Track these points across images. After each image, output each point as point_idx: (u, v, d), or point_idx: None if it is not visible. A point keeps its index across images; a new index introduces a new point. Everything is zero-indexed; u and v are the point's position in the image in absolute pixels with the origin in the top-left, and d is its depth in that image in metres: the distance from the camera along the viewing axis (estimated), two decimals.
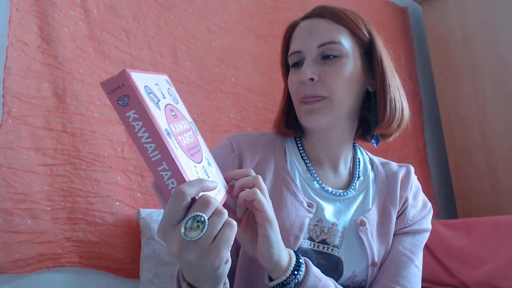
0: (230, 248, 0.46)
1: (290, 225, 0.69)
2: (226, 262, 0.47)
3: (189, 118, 0.58)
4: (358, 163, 0.84)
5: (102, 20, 1.30)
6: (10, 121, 1.09)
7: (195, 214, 0.43)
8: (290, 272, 0.58)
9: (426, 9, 2.24)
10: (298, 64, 0.76)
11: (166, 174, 0.44)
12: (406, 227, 0.79)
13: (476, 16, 2.00)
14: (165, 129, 0.45)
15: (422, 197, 0.84)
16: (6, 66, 1.10)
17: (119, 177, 1.23)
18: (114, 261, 1.17)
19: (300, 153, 0.80)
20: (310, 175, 0.77)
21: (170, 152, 0.43)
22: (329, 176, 0.79)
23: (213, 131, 1.48)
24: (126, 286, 1.19)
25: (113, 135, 1.25)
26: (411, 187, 0.82)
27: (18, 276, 1.05)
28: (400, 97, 0.77)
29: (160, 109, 0.47)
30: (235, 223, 0.46)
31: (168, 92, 0.54)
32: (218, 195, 0.51)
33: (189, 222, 0.43)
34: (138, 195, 1.27)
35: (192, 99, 1.45)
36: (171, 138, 0.46)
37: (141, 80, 0.46)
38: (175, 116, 0.51)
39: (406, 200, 0.80)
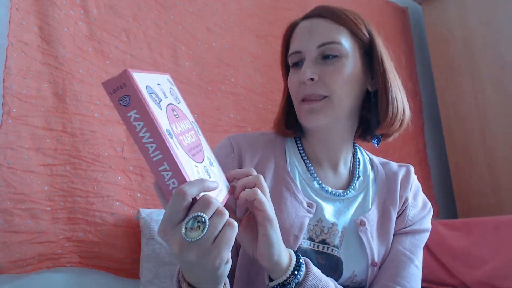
0: (230, 249, 0.46)
1: (290, 225, 0.69)
2: (227, 262, 0.47)
3: (191, 118, 0.58)
4: (358, 163, 0.84)
5: (102, 20, 1.30)
6: (10, 121, 1.09)
7: (196, 214, 0.44)
8: (290, 272, 0.58)
9: (426, 9, 2.25)
10: (298, 64, 0.76)
11: (167, 174, 0.44)
12: (406, 227, 0.79)
13: (476, 16, 2.00)
14: (166, 129, 0.45)
15: (422, 197, 0.84)
16: (6, 66, 1.10)
17: (119, 177, 1.23)
18: (114, 261, 1.17)
19: (300, 153, 0.80)
20: (310, 175, 0.77)
21: (171, 152, 0.43)
22: (329, 176, 0.79)
23: (213, 131, 1.48)
24: (126, 286, 1.19)
25: (113, 135, 1.25)
26: (411, 187, 0.82)
27: (18, 276, 1.05)
28: (402, 97, 0.77)
29: (161, 109, 0.47)
30: (236, 223, 0.46)
31: (170, 91, 0.54)
32: (219, 195, 0.50)
33: (190, 223, 0.43)
34: (138, 195, 1.27)
35: (192, 99, 1.45)
36: (172, 138, 0.46)
37: (142, 80, 0.46)
38: (176, 116, 0.51)
39: (406, 200, 0.80)
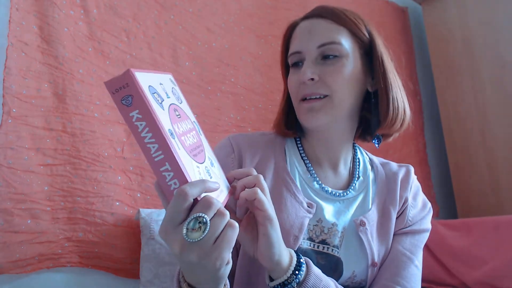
0: (231, 250, 0.46)
1: (290, 225, 0.69)
2: (227, 263, 0.47)
3: (193, 118, 0.58)
4: (358, 163, 0.84)
5: (102, 20, 1.30)
6: (10, 121, 1.08)
7: (197, 215, 0.44)
8: (291, 272, 0.58)
9: (426, 9, 2.25)
10: (298, 64, 0.76)
11: (169, 175, 0.44)
12: (406, 227, 0.79)
13: (476, 16, 2.00)
14: (169, 129, 0.45)
15: (422, 197, 0.84)
16: (6, 66, 1.10)
17: (119, 177, 1.23)
18: (114, 261, 1.17)
19: (300, 154, 0.80)
20: (310, 175, 0.77)
21: (173, 152, 0.43)
22: (329, 177, 0.79)
23: (213, 131, 1.48)
24: (126, 286, 1.19)
25: (113, 135, 1.25)
26: (411, 187, 0.82)
27: (18, 276, 1.05)
28: (402, 97, 0.77)
29: (163, 109, 0.47)
30: (236, 224, 0.46)
31: (172, 91, 0.54)
32: (220, 195, 0.50)
33: (191, 223, 0.44)
34: (138, 195, 1.27)
35: (192, 99, 1.45)
36: (174, 138, 0.46)
37: (145, 80, 0.46)
38: (178, 116, 0.51)
39: (406, 200, 0.80)
